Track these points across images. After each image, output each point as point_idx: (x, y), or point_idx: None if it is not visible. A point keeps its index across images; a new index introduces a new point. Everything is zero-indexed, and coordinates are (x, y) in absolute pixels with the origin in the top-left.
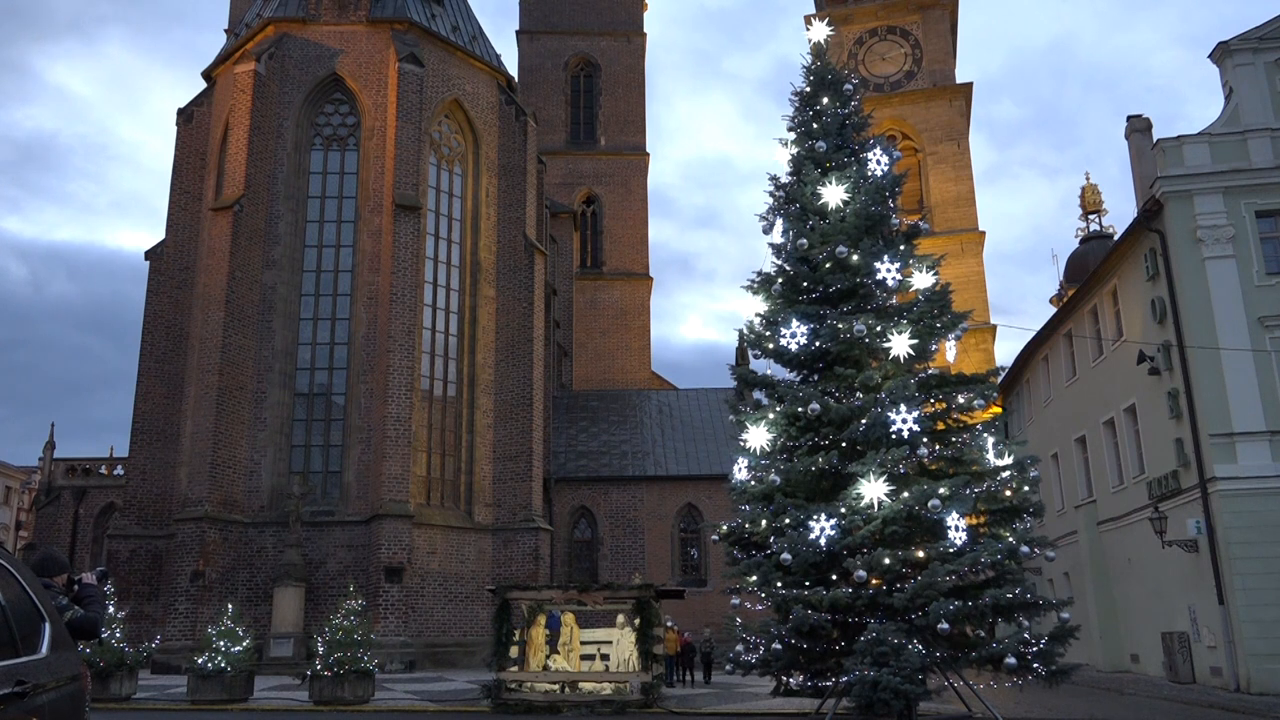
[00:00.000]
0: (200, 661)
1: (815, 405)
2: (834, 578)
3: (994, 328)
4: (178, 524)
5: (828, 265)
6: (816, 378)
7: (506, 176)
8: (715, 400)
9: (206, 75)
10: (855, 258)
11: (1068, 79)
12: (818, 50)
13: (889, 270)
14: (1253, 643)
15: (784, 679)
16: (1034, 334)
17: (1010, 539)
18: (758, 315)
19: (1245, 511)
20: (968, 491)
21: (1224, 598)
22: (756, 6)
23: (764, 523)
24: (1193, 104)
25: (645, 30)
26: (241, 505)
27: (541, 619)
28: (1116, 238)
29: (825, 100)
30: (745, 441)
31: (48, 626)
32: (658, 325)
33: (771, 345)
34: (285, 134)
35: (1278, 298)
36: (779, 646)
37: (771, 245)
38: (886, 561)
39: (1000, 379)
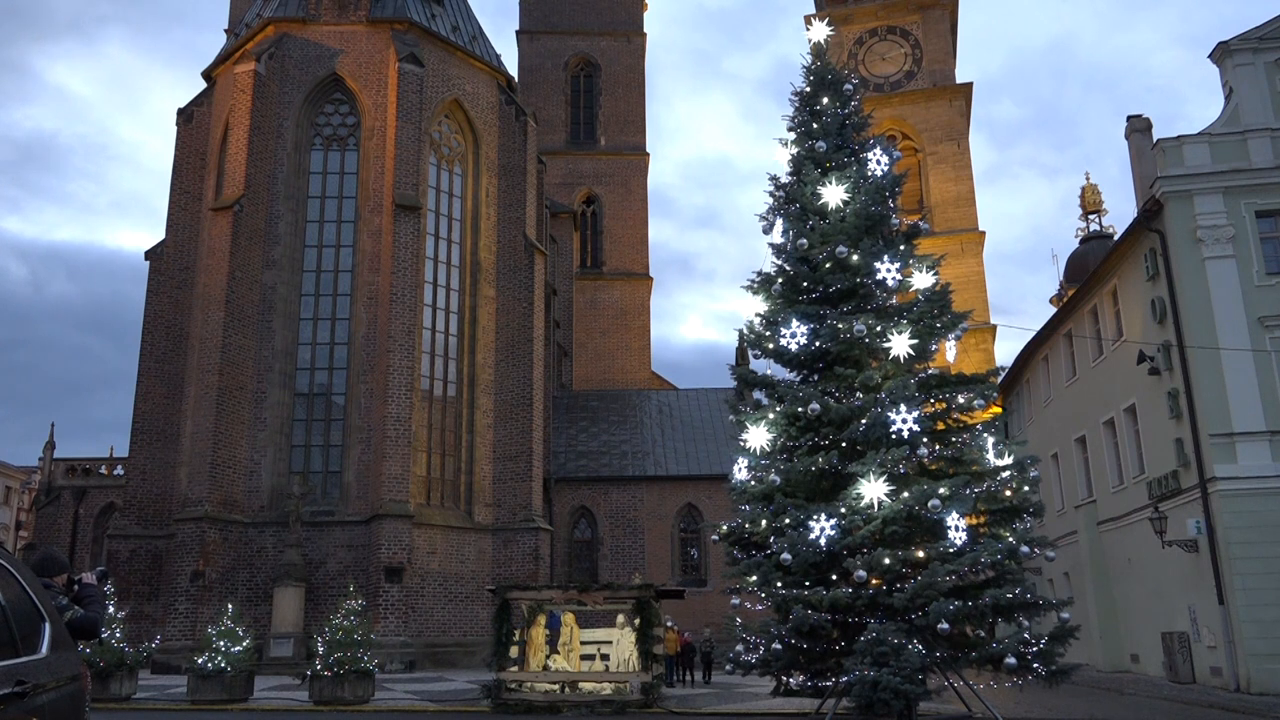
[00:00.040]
0: (200, 661)
1: (815, 405)
2: (834, 578)
3: (994, 328)
4: (178, 524)
5: (828, 265)
6: (816, 378)
7: (506, 176)
8: (715, 400)
9: (206, 75)
10: (855, 258)
11: (1068, 79)
12: (818, 50)
13: (889, 270)
14: (1253, 643)
15: (784, 679)
16: (1034, 334)
17: (1010, 539)
18: (758, 315)
19: (1245, 511)
20: (968, 491)
21: (1224, 598)
22: (756, 6)
23: (764, 523)
24: (1193, 104)
25: (645, 30)
26: (241, 505)
27: (541, 619)
28: (1116, 238)
29: (825, 100)
30: (745, 441)
31: (48, 626)
32: (658, 325)
33: (771, 345)
34: (285, 134)
35: (1278, 298)
36: (779, 646)
37: (771, 245)
38: (886, 561)
39: (1000, 379)
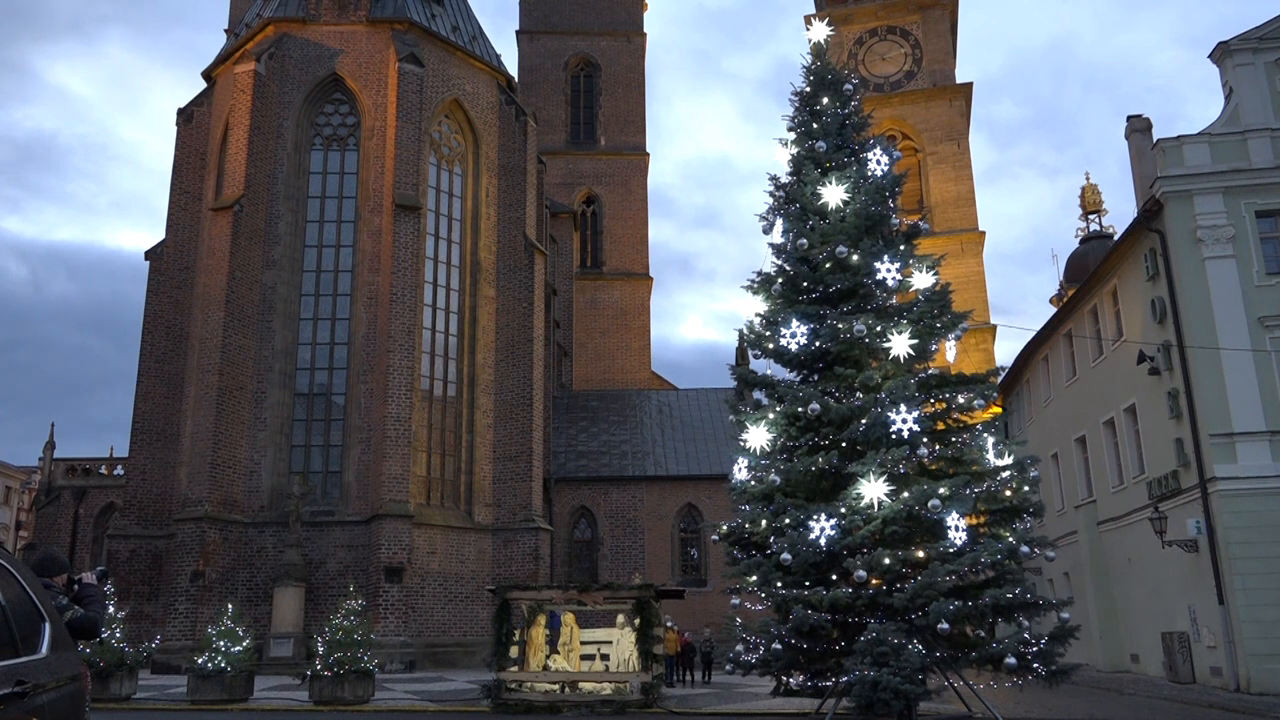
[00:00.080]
0: (200, 661)
1: (815, 405)
2: (834, 578)
3: (994, 328)
4: (178, 524)
5: (828, 265)
6: (816, 378)
7: (506, 176)
8: (715, 400)
9: (206, 75)
10: (855, 258)
11: (1068, 79)
12: (818, 50)
13: (889, 270)
14: (1253, 643)
15: (784, 679)
16: (1034, 334)
17: (1010, 539)
18: (758, 315)
19: (1245, 511)
20: (968, 491)
21: (1224, 598)
22: (756, 6)
23: (764, 523)
24: (1193, 104)
25: (645, 30)
26: (241, 505)
27: (541, 619)
28: (1116, 238)
29: (825, 100)
30: (745, 441)
31: (48, 626)
32: (658, 325)
33: (771, 345)
34: (285, 134)
35: (1278, 298)
36: (779, 646)
37: (771, 245)
38: (886, 561)
39: (1000, 379)
